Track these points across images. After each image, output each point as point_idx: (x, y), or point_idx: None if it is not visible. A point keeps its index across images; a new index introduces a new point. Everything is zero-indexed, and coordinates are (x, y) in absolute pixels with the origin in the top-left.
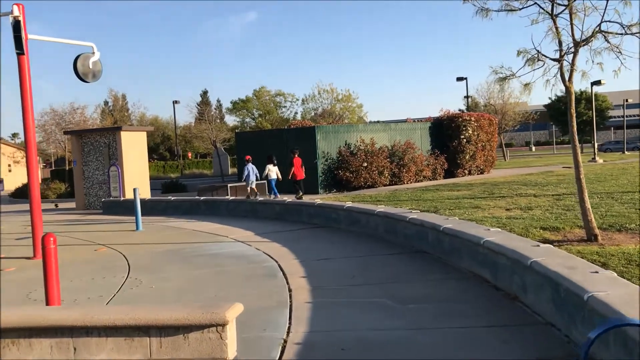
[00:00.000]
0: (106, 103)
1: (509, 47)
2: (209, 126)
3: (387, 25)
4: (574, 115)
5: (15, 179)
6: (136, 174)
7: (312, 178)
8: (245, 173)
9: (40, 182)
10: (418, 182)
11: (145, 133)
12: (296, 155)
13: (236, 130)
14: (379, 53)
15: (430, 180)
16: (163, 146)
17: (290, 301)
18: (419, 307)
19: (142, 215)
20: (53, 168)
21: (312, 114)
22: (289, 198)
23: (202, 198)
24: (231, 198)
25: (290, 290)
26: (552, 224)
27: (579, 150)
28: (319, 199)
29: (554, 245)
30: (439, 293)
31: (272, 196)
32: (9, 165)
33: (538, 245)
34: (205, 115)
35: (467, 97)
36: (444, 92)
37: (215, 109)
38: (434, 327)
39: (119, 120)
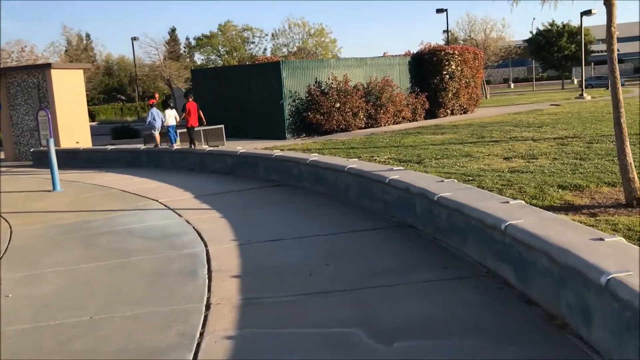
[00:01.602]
0: (69, 42)
1: None
2: (162, 63)
3: None
4: (615, 36)
5: None
6: (72, 119)
7: (278, 121)
8: (149, 118)
9: None
10: (397, 123)
11: (82, 71)
12: (190, 100)
13: (192, 68)
14: None
15: (410, 121)
16: (130, 87)
17: (202, 333)
18: (413, 348)
19: (74, 169)
20: None
21: (283, 50)
22: (235, 146)
23: (143, 148)
24: (175, 148)
25: (208, 307)
26: (571, 181)
27: (619, 86)
28: (285, 145)
29: (583, 213)
30: (440, 311)
31: (171, 144)
32: None
33: (601, 240)
34: (159, 53)
35: (446, 31)
36: (422, 26)
37: (184, 47)
38: None
39: (76, 61)
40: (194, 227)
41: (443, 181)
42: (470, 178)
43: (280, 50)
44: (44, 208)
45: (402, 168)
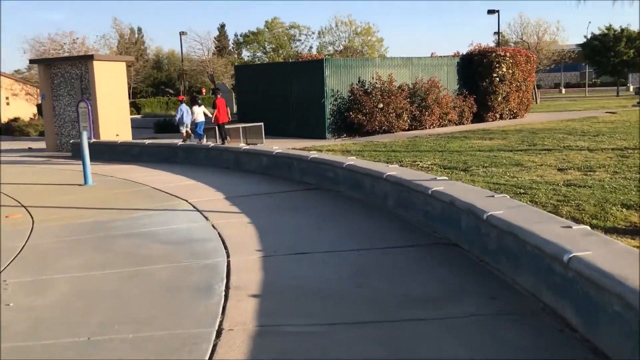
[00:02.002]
0: (121, 36)
1: None
2: (206, 59)
3: None
4: None
5: (12, 112)
6: (113, 111)
7: (319, 120)
8: (179, 115)
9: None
10: (442, 126)
11: (124, 63)
12: (219, 96)
13: (235, 64)
14: None
15: (457, 125)
16: (179, 81)
17: None
18: None
19: (111, 162)
20: (39, 102)
21: (329, 48)
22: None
23: (179, 144)
24: (212, 145)
25: (219, 334)
26: (636, 199)
27: None
28: (324, 146)
29: None
30: (486, 357)
31: (199, 140)
32: (7, 99)
33: None
34: (203, 48)
35: (498, 32)
36: (472, 27)
37: (233, 43)
38: None
39: (126, 54)
40: (219, 233)
41: (493, 196)
42: (522, 191)
43: (326, 49)
44: (70, 203)
45: (446, 178)
